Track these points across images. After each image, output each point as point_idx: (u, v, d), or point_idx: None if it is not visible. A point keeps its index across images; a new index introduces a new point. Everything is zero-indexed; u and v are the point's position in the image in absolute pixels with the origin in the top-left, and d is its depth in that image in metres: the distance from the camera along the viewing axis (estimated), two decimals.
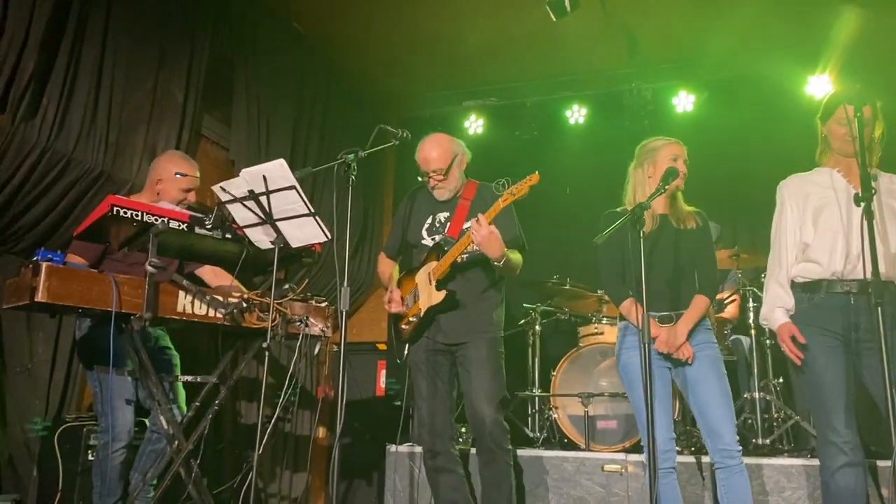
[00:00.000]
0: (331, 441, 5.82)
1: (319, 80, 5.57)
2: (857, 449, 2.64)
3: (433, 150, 3.29)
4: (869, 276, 2.28)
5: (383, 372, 5.97)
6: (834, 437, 2.65)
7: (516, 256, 3.24)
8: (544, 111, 6.07)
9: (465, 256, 3.18)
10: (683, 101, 5.66)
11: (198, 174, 3.49)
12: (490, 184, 3.18)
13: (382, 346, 6.14)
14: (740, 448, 2.86)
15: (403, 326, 3.30)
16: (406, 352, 3.33)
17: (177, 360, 3.49)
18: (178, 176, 3.42)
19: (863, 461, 2.68)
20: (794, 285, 2.84)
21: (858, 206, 2.28)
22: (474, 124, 6.23)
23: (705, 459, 3.48)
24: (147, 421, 3.42)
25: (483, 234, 2.94)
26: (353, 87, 6.00)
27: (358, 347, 5.94)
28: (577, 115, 6.03)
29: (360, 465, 5.20)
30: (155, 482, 3.23)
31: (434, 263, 3.22)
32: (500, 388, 3.21)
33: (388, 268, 3.51)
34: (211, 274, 3.51)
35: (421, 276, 3.28)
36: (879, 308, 2.10)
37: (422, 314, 3.23)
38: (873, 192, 2.33)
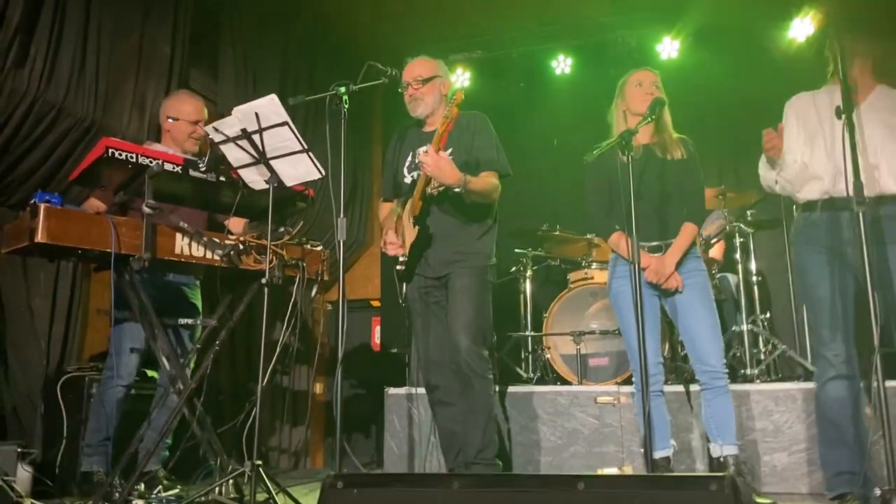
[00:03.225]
0: (328, 395, 5.92)
1: (306, 32, 5.54)
2: (848, 362, 2.66)
3: (418, 61, 3.36)
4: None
5: (377, 328, 6.06)
6: (824, 350, 2.71)
7: (485, 181, 3.16)
8: (530, 62, 6.06)
9: (438, 188, 3.17)
10: (668, 48, 5.68)
11: (194, 114, 3.49)
12: (475, 112, 3.20)
13: (376, 303, 6.21)
14: (726, 371, 2.96)
15: (398, 268, 3.32)
16: (405, 291, 3.36)
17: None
18: (169, 120, 3.44)
19: (856, 374, 2.68)
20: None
21: (840, 118, 2.33)
22: (461, 78, 6.20)
23: (693, 388, 3.58)
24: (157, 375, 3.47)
25: (429, 163, 2.94)
26: (339, 40, 5.96)
27: (352, 304, 6.00)
28: (562, 65, 6.03)
29: (359, 419, 5.30)
30: (170, 440, 3.31)
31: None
32: (478, 316, 3.16)
33: (384, 212, 3.50)
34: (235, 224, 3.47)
35: (405, 215, 3.30)
36: (861, 213, 2.16)
37: (407, 253, 3.28)
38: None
